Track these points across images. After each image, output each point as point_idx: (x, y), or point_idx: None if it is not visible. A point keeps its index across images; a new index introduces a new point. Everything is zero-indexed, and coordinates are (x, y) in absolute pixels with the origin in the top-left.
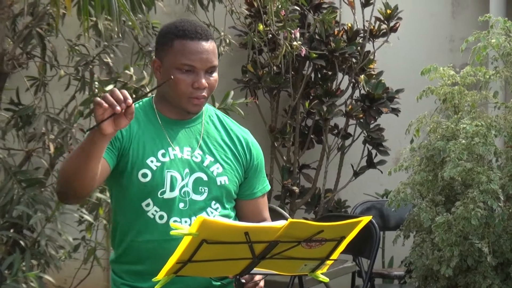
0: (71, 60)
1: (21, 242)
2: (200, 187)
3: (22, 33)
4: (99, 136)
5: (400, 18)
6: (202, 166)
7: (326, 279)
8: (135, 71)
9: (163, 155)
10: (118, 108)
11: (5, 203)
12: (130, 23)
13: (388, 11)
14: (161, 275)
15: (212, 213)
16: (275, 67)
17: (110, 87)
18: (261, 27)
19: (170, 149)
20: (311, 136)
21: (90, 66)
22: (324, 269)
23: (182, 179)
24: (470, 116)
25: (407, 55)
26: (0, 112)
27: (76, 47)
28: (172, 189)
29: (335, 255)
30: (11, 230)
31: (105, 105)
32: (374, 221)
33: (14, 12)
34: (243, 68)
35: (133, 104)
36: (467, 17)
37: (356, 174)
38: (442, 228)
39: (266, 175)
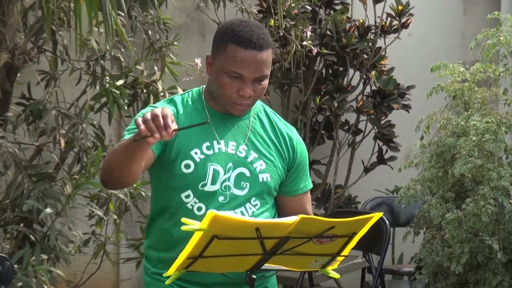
0: (82, 55)
1: (31, 237)
2: (242, 182)
3: (33, 27)
4: (144, 143)
5: (411, 15)
6: (245, 161)
7: (336, 275)
8: (146, 66)
9: (208, 148)
10: (157, 135)
11: (16, 197)
12: (141, 19)
13: (400, 7)
14: (171, 271)
15: (250, 208)
16: (286, 63)
17: (120, 82)
18: (272, 22)
19: (215, 142)
20: (322, 132)
21: (101, 61)
22: (335, 265)
23: (225, 173)
24: (480, 113)
25: (418, 52)
26: (11, 107)
27: (88, 42)
28: (213, 182)
29: (346, 251)
30: (21, 224)
31: (144, 129)
32: (384, 217)
33: (25, 6)
34: None
35: (174, 132)
36: (479, 14)
37: (367, 170)
38: (452, 224)
39: None
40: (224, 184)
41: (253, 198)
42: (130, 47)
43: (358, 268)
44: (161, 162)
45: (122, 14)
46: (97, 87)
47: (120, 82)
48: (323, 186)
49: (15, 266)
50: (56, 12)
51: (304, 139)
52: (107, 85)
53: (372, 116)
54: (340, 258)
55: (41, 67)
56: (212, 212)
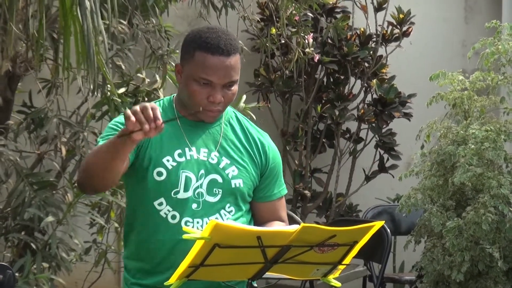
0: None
1: (32, 245)
2: (214, 189)
3: (34, 35)
4: (128, 141)
5: (412, 23)
6: (218, 168)
7: (338, 284)
8: (147, 74)
9: (180, 155)
10: (147, 126)
11: (17, 205)
12: (143, 27)
13: (401, 16)
14: (173, 279)
15: (225, 215)
16: (287, 71)
17: (122, 90)
18: (273, 30)
19: (187, 149)
20: (323, 140)
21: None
22: (336, 273)
23: (197, 180)
24: (479, 122)
25: (420, 60)
26: (13, 115)
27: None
28: (186, 189)
29: (347, 260)
30: (23, 233)
31: (134, 120)
32: (385, 225)
33: (27, 14)
34: (255, 71)
35: (162, 124)
36: (480, 22)
37: (368, 178)
38: (453, 233)
39: None
40: (196, 191)
41: (227, 205)
42: (113, 90)
43: (360, 277)
44: (134, 169)
45: (124, 22)
46: (98, 95)
47: (122, 90)
48: (324, 195)
49: (16, 274)
50: (56, 20)
51: (305, 148)
52: (108, 93)
53: (373, 125)
54: (341, 267)
55: (43, 75)
56: (213, 221)
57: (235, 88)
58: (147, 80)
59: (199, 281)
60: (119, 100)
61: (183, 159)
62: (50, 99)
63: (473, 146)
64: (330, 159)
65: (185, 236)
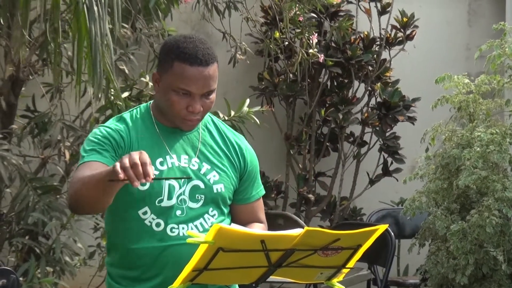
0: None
1: (36, 249)
2: (196, 195)
3: (38, 40)
4: (115, 183)
5: (416, 26)
6: (199, 174)
7: (342, 287)
8: (150, 79)
9: (161, 164)
10: (136, 184)
11: (21, 210)
12: (146, 31)
13: (405, 19)
14: (177, 283)
15: (209, 219)
16: (291, 75)
17: (125, 94)
18: (277, 34)
19: (168, 157)
20: (327, 144)
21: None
22: (340, 277)
23: (180, 187)
24: (485, 125)
25: (423, 63)
26: (16, 119)
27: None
28: (169, 197)
29: (351, 263)
30: (27, 237)
31: (122, 177)
32: (389, 229)
33: (30, 19)
34: (259, 75)
35: (152, 180)
36: (484, 25)
37: (372, 182)
38: (457, 236)
39: (282, 182)
40: (180, 198)
41: (210, 209)
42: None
43: (364, 280)
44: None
45: (126, 26)
46: (102, 100)
47: (125, 94)
48: (328, 198)
49: (21, 278)
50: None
51: (309, 151)
52: (112, 97)
53: (377, 128)
54: (345, 270)
55: (46, 80)
56: (217, 225)
57: (213, 96)
58: (151, 84)
59: (203, 285)
60: (123, 104)
61: (165, 167)
62: (53, 104)
63: (478, 149)
64: (334, 163)
65: (189, 240)
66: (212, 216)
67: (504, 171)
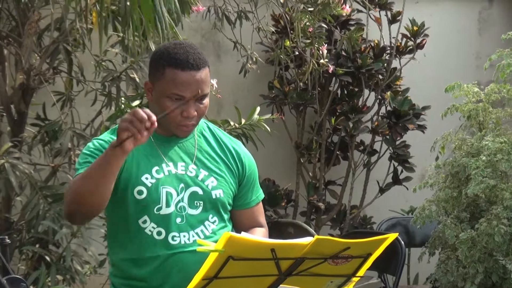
0: (98, 76)
1: (47, 257)
2: (195, 201)
3: (49, 48)
4: (119, 153)
5: (426, 35)
6: (197, 180)
7: None
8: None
9: (157, 172)
10: (145, 133)
11: (31, 218)
12: (157, 39)
13: (415, 28)
14: None
15: (209, 226)
16: (301, 84)
17: (136, 102)
18: (287, 43)
19: (164, 165)
20: (337, 152)
21: (117, 82)
22: (350, 286)
23: (178, 194)
24: (494, 133)
25: (434, 72)
26: (27, 127)
27: (103, 63)
28: (167, 205)
29: (361, 272)
30: (37, 245)
31: (132, 129)
32: (399, 237)
33: (40, 27)
34: (269, 84)
35: (155, 122)
36: (494, 34)
37: (382, 190)
38: (466, 244)
39: (292, 191)
40: (178, 205)
41: (210, 215)
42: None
43: None
44: (113, 192)
45: (136, 34)
46: (113, 108)
47: (136, 102)
48: (338, 207)
49: (31, 287)
50: (70, 33)
51: (319, 160)
52: (123, 105)
53: (387, 137)
54: (355, 279)
55: (57, 88)
56: (228, 233)
57: (207, 101)
58: None
59: None
60: None
61: (161, 175)
62: (64, 112)
63: (484, 157)
64: (344, 171)
65: (199, 249)
66: (213, 222)
67: None
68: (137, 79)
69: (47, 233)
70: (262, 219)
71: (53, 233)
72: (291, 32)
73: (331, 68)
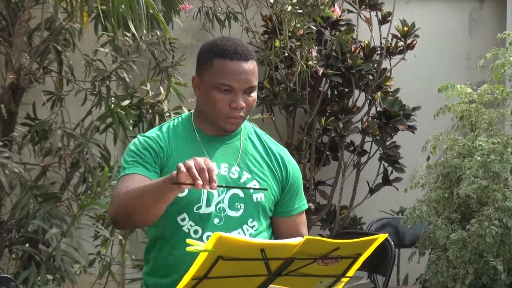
0: (88, 75)
1: (37, 257)
2: (236, 204)
3: (39, 48)
4: (176, 188)
5: (417, 36)
6: (239, 182)
7: None
8: (151, 87)
9: None
10: (200, 183)
11: (21, 217)
12: (147, 39)
13: (405, 29)
14: None
15: (247, 230)
16: (291, 84)
17: (126, 102)
18: (277, 43)
19: None
20: (327, 152)
21: (107, 82)
22: (340, 286)
23: (219, 195)
24: (487, 134)
25: (424, 73)
26: (17, 127)
27: (93, 62)
28: (208, 204)
29: (351, 272)
30: (27, 245)
31: (197, 178)
32: (389, 238)
33: (31, 27)
34: (259, 84)
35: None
36: (484, 35)
37: (372, 191)
38: (456, 245)
39: None
40: (218, 206)
41: (250, 219)
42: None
43: None
44: None
45: (128, 34)
46: (103, 108)
47: (126, 102)
48: (328, 207)
49: (21, 286)
50: (61, 32)
51: (309, 160)
52: (113, 105)
53: (377, 137)
54: (345, 279)
55: (47, 88)
56: (217, 233)
57: (255, 94)
58: (152, 92)
59: None
60: (123, 112)
61: None
62: (54, 111)
63: (478, 158)
64: (334, 172)
65: (188, 249)
66: (251, 227)
67: (505, 181)
68: (127, 79)
69: (37, 232)
70: (304, 230)
71: (43, 232)
72: (280, 33)
73: (320, 70)
